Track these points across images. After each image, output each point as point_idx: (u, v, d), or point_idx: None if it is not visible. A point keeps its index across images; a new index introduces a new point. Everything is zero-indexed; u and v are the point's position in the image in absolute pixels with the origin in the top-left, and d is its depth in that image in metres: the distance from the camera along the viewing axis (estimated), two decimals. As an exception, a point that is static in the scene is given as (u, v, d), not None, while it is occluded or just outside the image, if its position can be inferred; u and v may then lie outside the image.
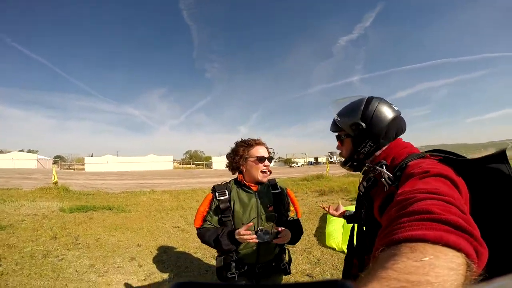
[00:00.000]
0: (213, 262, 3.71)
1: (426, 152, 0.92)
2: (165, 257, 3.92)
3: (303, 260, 3.67)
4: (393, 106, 1.03)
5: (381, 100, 1.02)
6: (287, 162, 67.72)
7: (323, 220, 5.47)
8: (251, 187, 1.64)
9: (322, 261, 3.61)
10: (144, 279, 3.15)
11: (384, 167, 0.89)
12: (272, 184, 1.71)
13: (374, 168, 0.94)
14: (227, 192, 1.61)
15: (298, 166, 57.39)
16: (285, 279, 3.02)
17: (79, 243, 4.26)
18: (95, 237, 4.62)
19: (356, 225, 1.11)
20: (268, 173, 1.65)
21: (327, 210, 1.75)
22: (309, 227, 5.17)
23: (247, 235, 1.42)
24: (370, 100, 1.02)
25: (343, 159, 1.14)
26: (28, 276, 2.95)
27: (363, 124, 0.99)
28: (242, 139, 1.71)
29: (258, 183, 1.65)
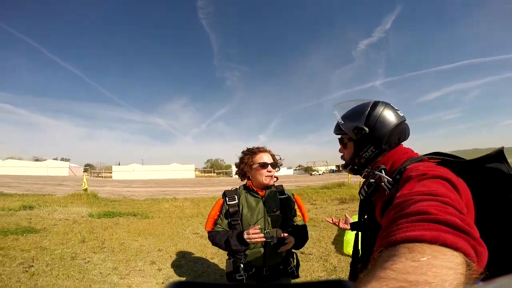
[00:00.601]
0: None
1: (424, 155, 0.92)
2: (184, 262, 4.01)
3: (319, 268, 3.61)
4: (399, 112, 1.01)
5: (387, 105, 1.01)
6: (308, 170, 66.72)
7: (342, 228, 5.32)
8: (259, 192, 1.71)
9: (339, 269, 3.53)
10: (162, 282, 3.25)
11: (383, 172, 0.89)
12: (280, 190, 1.78)
13: (373, 173, 0.93)
14: (236, 197, 1.70)
15: (319, 174, 56.31)
16: (300, 279, 2.99)
17: (105, 247, 4.48)
18: (120, 242, 4.83)
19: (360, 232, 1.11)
20: (272, 177, 1.71)
21: (337, 224, 1.74)
22: (327, 235, 5.07)
23: (255, 234, 1.48)
24: (375, 104, 1.01)
25: (344, 163, 1.14)
26: (56, 277, 3.15)
27: (366, 129, 0.98)
28: (247, 148, 1.81)
29: (265, 188, 1.73)
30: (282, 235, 1.54)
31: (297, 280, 2.59)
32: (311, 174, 56.65)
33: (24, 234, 4.88)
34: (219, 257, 4.16)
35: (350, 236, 4.33)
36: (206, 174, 61.47)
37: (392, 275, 0.35)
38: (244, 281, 1.58)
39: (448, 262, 0.38)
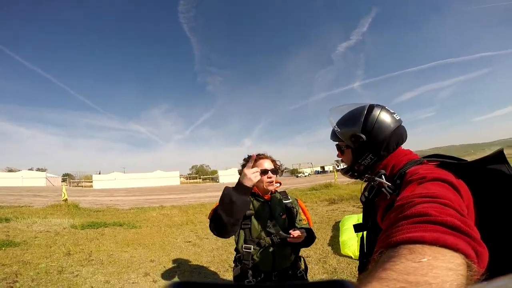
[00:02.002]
0: (227, 276, 3.64)
1: (423, 158, 0.92)
2: (179, 272, 3.86)
3: (319, 270, 3.59)
4: (395, 115, 1.00)
5: (383, 109, 1.00)
6: (294, 172, 67.23)
7: (336, 229, 5.38)
8: (264, 196, 1.73)
9: (339, 270, 3.53)
10: (159, 295, 3.10)
11: (383, 177, 0.89)
12: (284, 195, 1.83)
13: (373, 179, 0.93)
14: None
15: (305, 176, 56.83)
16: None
17: (93, 259, 4.23)
18: (108, 253, 4.59)
19: (365, 233, 1.11)
20: (272, 182, 1.72)
21: None
22: (322, 236, 5.07)
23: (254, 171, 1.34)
24: (371, 109, 1.00)
25: (344, 168, 1.14)
26: (44, 292, 2.93)
27: (364, 137, 0.97)
28: (248, 155, 1.77)
29: (269, 193, 1.76)
30: (291, 231, 1.52)
31: None
32: (297, 176, 57.04)
33: (3, 248, 4.52)
34: (215, 265, 4.06)
35: (345, 237, 4.38)
36: (192, 181, 60.35)
37: (392, 275, 0.36)
38: None
39: (448, 263, 0.38)
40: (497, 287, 0.32)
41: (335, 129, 1.07)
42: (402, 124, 1.02)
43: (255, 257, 1.58)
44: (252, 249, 1.58)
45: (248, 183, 1.29)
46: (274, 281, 1.60)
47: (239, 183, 1.31)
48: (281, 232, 1.56)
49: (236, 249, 1.67)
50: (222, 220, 1.29)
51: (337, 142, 1.12)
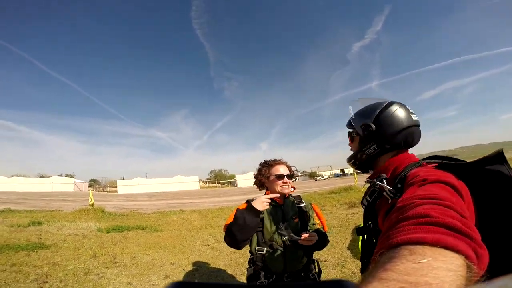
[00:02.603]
0: (243, 279, 3.66)
1: (422, 160, 0.93)
2: (197, 274, 3.94)
3: (337, 274, 3.53)
4: (413, 115, 0.98)
5: (401, 106, 0.99)
6: (312, 175, 66.16)
7: (355, 233, 5.24)
8: (277, 201, 1.76)
9: (358, 274, 3.41)
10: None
11: (384, 181, 0.89)
12: (298, 199, 1.86)
13: (374, 184, 0.93)
14: None
15: (324, 179, 55.69)
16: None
17: (117, 262, 4.43)
18: (131, 256, 4.78)
19: (365, 236, 1.10)
20: (287, 187, 1.75)
21: None
22: (341, 240, 4.98)
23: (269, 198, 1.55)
24: (389, 104, 1.00)
25: (349, 156, 1.17)
26: (72, 292, 3.10)
27: (373, 126, 0.98)
28: (264, 160, 1.89)
29: (283, 197, 1.78)
30: (302, 234, 1.54)
31: None
32: (315, 180, 56.10)
33: (35, 250, 4.85)
34: (232, 269, 4.10)
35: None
36: (211, 185, 61.23)
37: (393, 276, 0.36)
38: None
39: (448, 264, 0.39)
40: (497, 287, 0.32)
41: (351, 116, 1.11)
42: (419, 127, 1.01)
43: (267, 258, 1.61)
44: (264, 251, 1.61)
45: (259, 207, 1.51)
46: (285, 283, 1.62)
47: (251, 207, 1.51)
48: (292, 234, 1.57)
49: (250, 251, 1.71)
50: (235, 237, 1.50)
51: (350, 130, 1.15)
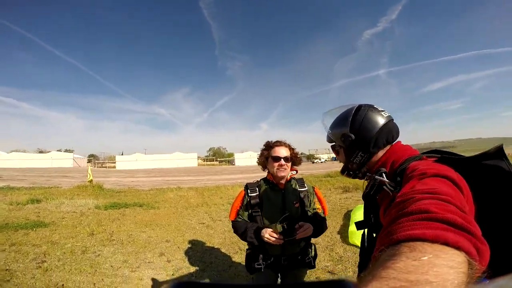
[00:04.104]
0: (236, 258, 3.81)
1: (423, 154, 0.93)
2: (192, 252, 4.08)
3: (325, 257, 3.67)
4: (383, 112, 1.02)
5: (370, 108, 1.02)
6: (310, 158, 66.88)
7: (347, 218, 5.40)
8: (279, 184, 1.80)
9: (345, 259, 3.59)
10: (172, 274, 3.32)
11: (384, 175, 0.89)
12: (300, 183, 1.87)
13: (374, 178, 0.93)
14: (257, 189, 1.79)
15: (321, 162, 56.32)
16: (309, 273, 3.04)
17: (114, 239, 4.56)
18: (128, 233, 4.92)
19: (366, 230, 1.12)
20: (284, 169, 1.75)
21: None
22: (332, 224, 5.12)
23: (272, 237, 1.58)
24: (358, 109, 1.03)
25: (341, 168, 1.17)
26: (69, 271, 3.22)
27: (352, 136, 1.00)
28: (267, 141, 1.89)
29: (285, 180, 1.81)
30: (298, 225, 1.61)
31: (312, 272, 2.68)
32: (313, 162, 56.78)
33: (34, 229, 4.97)
34: (226, 247, 4.24)
35: (354, 227, 4.37)
36: (209, 163, 61.76)
37: (393, 274, 0.35)
38: (262, 270, 1.69)
39: (449, 261, 0.38)
40: (498, 286, 0.31)
41: (328, 131, 1.11)
42: (393, 121, 1.04)
43: (266, 244, 1.65)
44: None
45: (262, 238, 1.60)
46: (284, 265, 1.72)
47: (257, 230, 1.64)
48: (287, 236, 1.61)
49: None
50: (238, 235, 1.75)
51: (332, 144, 1.16)
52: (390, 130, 1.00)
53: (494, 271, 0.44)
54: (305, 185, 1.86)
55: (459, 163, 0.77)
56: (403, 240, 0.44)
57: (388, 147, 1.00)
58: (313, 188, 1.91)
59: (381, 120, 0.99)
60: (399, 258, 0.39)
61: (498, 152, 0.74)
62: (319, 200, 1.88)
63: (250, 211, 1.78)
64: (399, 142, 1.02)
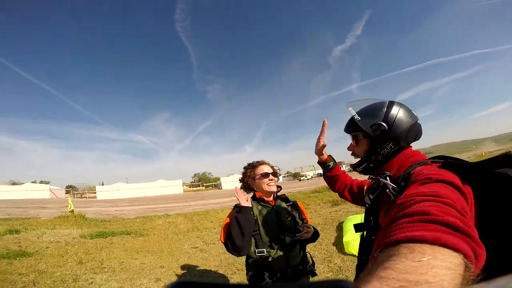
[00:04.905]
0: (235, 278, 3.76)
1: (429, 159, 0.92)
2: (189, 276, 4.00)
3: (324, 269, 3.70)
4: (413, 111, 1.03)
5: (403, 105, 1.03)
6: (296, 176, 66.88)
7: (340, 230, 5.48)
8: (269, 201, 1.84)
9: (344, 268, 3.64)
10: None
11: (388, 179, 0.88)
12: (285, 198, 1.95)
13: (378, 181, 0.93)
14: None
15: (308, 179, 56.32)
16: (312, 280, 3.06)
17: (105, 267, 4.37)
18: (119, 261, 4.73)
19: (365, 233, 1.11)
20: (274, 185, 1.84)
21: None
22: (326, 237, 5.19)
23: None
24: (392, 103, 1.03)
25: (357, 161, 1.11)
26: (63, 299, 3.07)
27: (385, 125, 0.97)
28: (248, 163, 1.97)
29: (273, 197, 1.87)
30: (300, 226, 1.71)
31: (315, 279, 2.70)
32: (299, 180, 56.73)
33: (17, 258, 4.67)
34: (223, 269, 4.18)
35: (349, 237, 4.48)
36: (195, 188, 60.29)
37: (392, 274, 0.36)
38: None
39: (448, 263, 0.39)
40: (498, 287, 0.31)
41: (356, 117, 1.04)
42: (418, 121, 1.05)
43: (269, 259, 1.67)
44: (265, 252, 1.66)
45: (245, 204, 1.61)
46: (289, 278, 1.71)
47: (240, 207, 1.62)
48: (292, 237, 1.68)
49: (248, 255, 1.72)
50: (235, 243, 1.54)
51: (352, 133, 1.12)
52: (418, 129, 1.02)
53: (489, 274, 0.42)
54: (289, 199, 1.95)
55: (464, 169, 0.75)
56: (402, 241, 0.45)
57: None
58: (296, 201, 1.99)
59: (412, 118, 1.00)
60: (398, 259, 0.39)
61: (506, 158, 0.71)
62: (303, 212, 1.97)
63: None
64: (411, 147, 1.02)
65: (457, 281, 0.37)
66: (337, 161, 1.59)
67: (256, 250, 1.66)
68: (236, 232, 1.54)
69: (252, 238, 1.70)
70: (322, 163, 1.55)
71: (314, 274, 1.84)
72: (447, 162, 0.81)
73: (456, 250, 0.42)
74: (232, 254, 1.59)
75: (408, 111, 1.02)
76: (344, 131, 1.17)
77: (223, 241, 1.66)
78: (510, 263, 0.63)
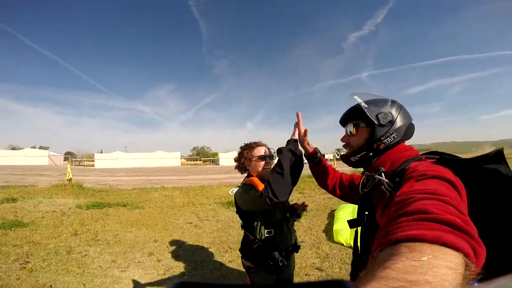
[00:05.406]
0: (227, 256, 3.84)
1: (422, 155, 0.94)
2: (181, 252, 4.07)
3: (312, 255, 3.79)
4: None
5: (402, 105, 1.06)
6: (294, 157, 67.42)
7: (331, 217, 5.57)
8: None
9: (331, 256, 3.73)
10: (163, 273, 3.30)
11: (383, 175, 0.89)
12: None
13: (373, 177, 0.93)
14: None
15: (305, 163, 57.00)
16: (298, 270, 3.13)
17: (99, 239, 4.45)
18: (114, 233, 4.81)
19: (359, 229, 1.10)
20: (270, 168, 1.78)
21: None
22: (317, 223, 5.27)
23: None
24: (394, 101, 1.05)
25: (353, 149, 1.07)
26: (56, 272, 3.13)
27: (391, 116, 0.99)
28: (245, 143, 1.91)
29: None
30: (295, 204, 1.91)
31: (298, 270, 2.72)
32: (297, 162, 57.35)
33: (13, 229, 4.74)
34: (215, 246, 4.26)
35: (339, 225, 4.55)
36: (192, 162, 60.86)
37: (392, 274, 0.36)
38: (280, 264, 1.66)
39: (448, 262, 0.39)
40: (498, 287, 0.32)
41: (363, 104, 1.01)
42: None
43: (277, 238, 1.71)
44: (273, 232, 1.70)
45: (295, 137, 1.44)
46: (290, 253, 1.79)
47: (290, 141, 1.44)
48: (296, 218, 1.86)
49: (254, 236, 1.70)
50: (290, 180, 1.37)
51: (353, 121, 1.09)
52: (413, 129, 1.06)
53: (490, 273, 0.43)
54: None
55: (457, 164, 0.78)
56: (402, 240, 0.44)
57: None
58: None
59: (410, 117, 1.05)
60: (398, 258, 0.39)
61: (497, 155, 0.74)
62: None
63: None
64: (403, 142, 1.04)
65: (458, 280, 0.36)
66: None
67: (266, 231, 1.68)
68: (287, 171, 1.34)
69: (261, 219, 1.70)
70: (308, 155, 1.47)
71: (299, 248, 1.95)
72: (442, 158, 0.84)
73: (456, 249, 0.41)
74: (269, 200, 1.34)
75: (407, 112, 1.05)
76: (342, 120, 1.15)
77: (260, 189, 1.45)
78: (503, 259, 0.64)
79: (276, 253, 1.68)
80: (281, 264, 1.66)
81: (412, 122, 1.05)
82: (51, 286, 2.80)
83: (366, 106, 1.01)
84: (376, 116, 0.99)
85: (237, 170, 1.89)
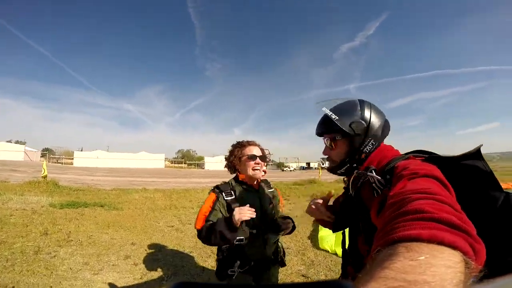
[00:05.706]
0: (209, 262, 3.68)
1: (408, 153, 0.95)
2: (161, 256, 3.87)
3: (297, 261, 3.71)
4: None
5: (372, 103, 1.04)
6: (280, 166, 68.15)
7: (316, 224, 5.52)
8: (253, 186, 1.73)
9: (316, 263, 3.66)
10: (140, 278, 3.10)
11: (374, 172, 0.88)
12: (267, 184, 1.86)
13: (364, 175, 0.91)
14: (232, 192, 1.67)
15: (291, 171, 57.61)
16: (284, 276, 3.03)
17: (71, 240, 4.16)
18: (88, 234, 4.52)
19: (347, 231, 1.09)
20: (260, 170, 1.70)
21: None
22: (302, 230, 5.20)
23: (249, 211, 1.45)
24: (362, 101, 1.02)
25: (337, 162, 1.05)
26: (20, 273, 2.86)
27: (364, 122, 0.97)
28: (237, 141, 1.81)
29: (257, 182, 1.76)
30: (280, 222, 1.65)
31: (284, 276, 2.62)
32: (282, 170, 57.93)
33: (-24, 226, 4.36)
34: (197, 251, 4.09)
35: (323, 232, 4.52)
36: (177, 165, 59.71)
37: (390, 274, 0.35)
38: (234, 277, 1.56)
39: (446, 260, 0.38)
40: (498, 287, 0.32)
41: (333, 117, 0.99)
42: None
43: (245, 246, 1.58)
44: (244, 240, 1.56)
45: (237, 218, 1.41)
46: (261, 268, 1.65)
47: (230, 220, 1.43)
48: (275, 235, 1.67)
49: None
50: (211, 243, 1.50)
51: (328, 135, 1.06)
52: (389, 126, 1.04)
53: (490, 270, 0.44)
54: (271, 185, 1.88)
55: (443, 162, 0.81)
56: (399, 240, 0.44)
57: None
58: (275, 189, 1.93)
59: (383, 115, 1.02)
60: (396, 258, 0.39)
61: (476, 153, 0.79)
62: (280, 200, 1.92)
63: (228, 215, 1.58)
64: (383, 142, 1.03)
65: (458, 279, 0.36)
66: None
67: (237, 238, 1.56)
68: (217, 238, 1.45)
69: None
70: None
71: (284, 265, 1.84)
72: (431, 157, 0.88)
73: (453, 247, 0.41)
74: (203, 242, 1.54)
75: (378, 109, 1.03)
76: (317, 134, 1.12)
77: (198, 227, 1.53)
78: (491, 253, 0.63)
79: (238, 262, 1.57)
80: (231, 273, 1.56)
81: (386, 118, 1.04)
82: (13, 287, 2.55)
83: (337, 118, 0.99)
84: (350, 126, 0.97)
85: (227, 169, 1.81)
